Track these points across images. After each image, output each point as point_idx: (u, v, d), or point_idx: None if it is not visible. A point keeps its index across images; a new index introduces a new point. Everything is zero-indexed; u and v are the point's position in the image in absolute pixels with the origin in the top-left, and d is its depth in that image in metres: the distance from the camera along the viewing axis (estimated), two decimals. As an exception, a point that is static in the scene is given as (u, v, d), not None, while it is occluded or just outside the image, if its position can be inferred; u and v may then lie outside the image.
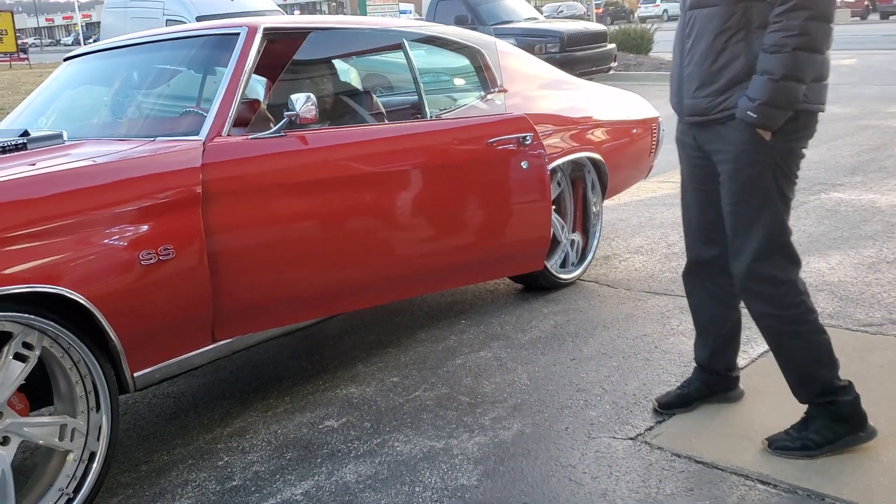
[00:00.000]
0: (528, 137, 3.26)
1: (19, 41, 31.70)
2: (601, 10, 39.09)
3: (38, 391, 2.29)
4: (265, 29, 2.84)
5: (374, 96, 3.33)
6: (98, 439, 2.28)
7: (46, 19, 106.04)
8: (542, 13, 16.64)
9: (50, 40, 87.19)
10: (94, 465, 2.26)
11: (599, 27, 13.13)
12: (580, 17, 23.52)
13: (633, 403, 2.69)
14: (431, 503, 2.21)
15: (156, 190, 2.34)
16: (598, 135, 4.08)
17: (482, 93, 3.64)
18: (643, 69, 14.29)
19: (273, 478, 2.42)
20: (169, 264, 2.33)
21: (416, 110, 3.35)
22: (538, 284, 3.89)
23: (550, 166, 3.68)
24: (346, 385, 3.03)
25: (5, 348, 2.10)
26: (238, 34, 2.80)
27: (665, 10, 45.22)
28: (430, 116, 3.28)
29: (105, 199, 2.24)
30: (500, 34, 12.69)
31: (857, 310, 3.39)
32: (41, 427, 2.19)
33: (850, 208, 5.05)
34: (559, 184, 3.97)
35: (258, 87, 3.77)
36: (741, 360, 2.95)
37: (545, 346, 3.24)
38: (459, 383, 2.95)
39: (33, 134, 2.68)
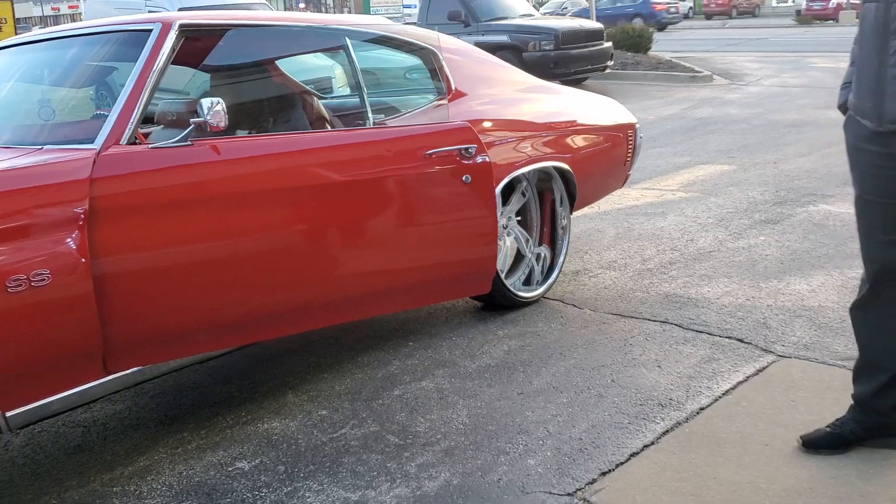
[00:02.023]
0: (471, 149, 2.98)
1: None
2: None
3: None
4: (182, 25, 2.55)
5: (311, 101, 3.05)
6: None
7: (52, 8, 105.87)
8: (538, 10, 16.32)
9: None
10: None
11: (596, 25, 12.81)
12: (583, 16, 23.17)
13: (577, 450, 2.41)
14: (331, 571, 1.95)
15: (29, 206, 2.06)
16: (568, 143, 3.80)
17: (433, 98, 3.36)
18: (641, 68, 13.96)
19: (163, 533, 2.16)
20: (43, 291, 2.05)
21: (357, 117, 3.07)
22: (497, 303, 3.60)
23: (514, 174, 3.41)
24: (270, 418, 2.75)
25: None
26: (150, 31, 2.53)
27: (671, 8, 44.80)
28: (373, 123, 3.00)
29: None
30: (494, 31, 12.39)
31: (836, 340, 3.11)
32: None
33: (839, 222, 4.76)
34: (524, 194, 3.69)
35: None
36: (700, 397, 2.68)
37: (493, 376, 2.96)
38: (392, 420, 2.67)
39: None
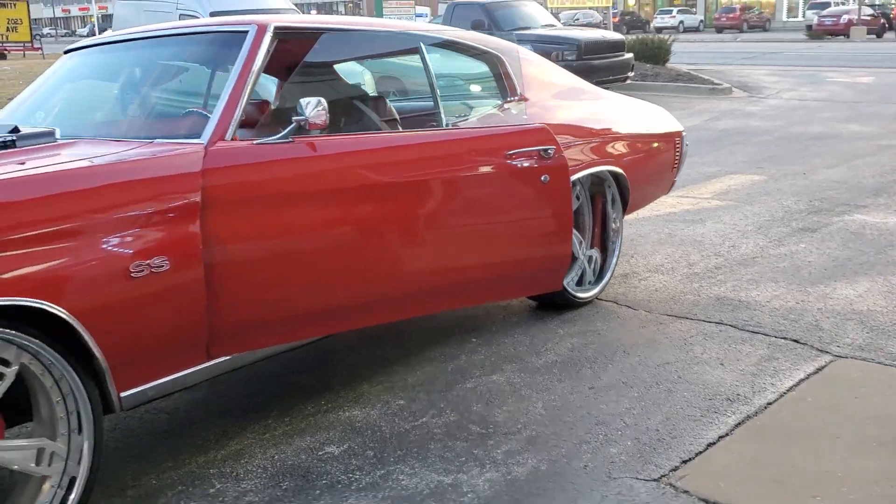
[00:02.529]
0: (549, 150, 3.09)
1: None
2: (618, 19, 38.90)
3: (17, 407, 2.13)
4: (276, 28, 2.67)
5: (388, 102, 3.16)
6: (79, 463, 2.11)
7: (63, 10, 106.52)
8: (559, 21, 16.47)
9: (65, 31, 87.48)
10: (74, 492, 2.09)
11: (618, 36, 12.97)
12: (596, 26, 23.32)
13: (656, 440, 2.51)
14: (437, 547, 2.05)
15: (151, 196, 2.17)
16: (621, 148, 3.91)
17: (501, 101, 3.47)
18: (661, 79, 14.10)
19: (267, 512, 2.25)
20: (162, 277, 2.16)
21: (431, 118, 3.18)
22: (553, 303, 3.70)
23: (575, 177, 3.52)
24: (350, 406, 2.85)
25: (-19, 365, 1.94)
26: (247, 32, 2.64)
27: (681, 22, 45.06)
28: (446, 125, 3.12)
29: (95, 205, 2.08)
30: (517, 41, 12.55)
31: (891, 342, 3.20)
32: (16, 451, 2.02)
33: (876, 232, 4.86)
34: (578, 197, 3.79)
35: (269, 89, 3.61)
36: (766, 393, 2.78)
37: (561, 371, 3.06)
38: (469, 410, 2.78)
39: (24, 130, 2.52)
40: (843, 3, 38.45)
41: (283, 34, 2.71)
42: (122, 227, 2.10)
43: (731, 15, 43.47)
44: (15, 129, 2.52)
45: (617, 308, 3.75)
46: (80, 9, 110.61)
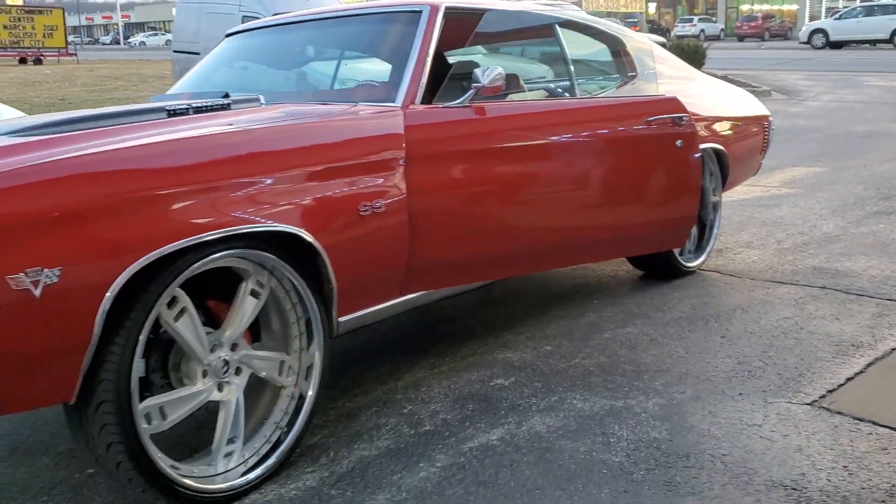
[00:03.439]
0: (683, 117, 3.39)
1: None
2: (638, 28, 39.17)
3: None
4: (446, 7, 2.98)
5: (539, 73, 3.49)
6: (307, 379, 2.41)
7: (86, 18, 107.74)
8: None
9: (89, 39, 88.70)
10: (306, 403, 2.39)
11: (659, 39, 13.22)
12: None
13: (797, 375, 2.79)
14: (629, 452, 2.32)
15: (374, 150, 2.48)
16: (722, 127, 4.19)
17: (624, 78, 3.78)
18: (699, 83, 14.33)
19: (462, 425, 2.54)
20: (380, 218, 2.46)
21: (568, 92, 3.48)
22: (661, 271, 3.99)
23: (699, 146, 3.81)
24: (501, 350, 3.15)
25: (242, 285, 2.24)
26: (421, 11, 2.95)
27: (702, 31, 45.25)
28: (582, 97, 3.43)
29: (334, 155, 2.39)
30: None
31: None
32: (265, 361, 2.33)
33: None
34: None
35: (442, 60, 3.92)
36: (888, 341, 3.04)
37: (689, 325, 3.34)
38: (616, 354, 3.06)
39: (233, 97, 2.84)
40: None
41: (450, 13, 3.02)
42: (353, 173, 2.41)
43: (752, 23, 43.63)
44: (226, 95, 2.84)
45: (721, 277, 4.03)
46: (103, 17, 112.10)
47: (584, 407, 2.62)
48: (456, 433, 2.49)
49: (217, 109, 2.71)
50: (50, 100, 15.35)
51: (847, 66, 20.48)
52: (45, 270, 1.76)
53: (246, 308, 2.24)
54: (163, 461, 2.03)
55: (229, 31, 3.72)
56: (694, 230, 4.21)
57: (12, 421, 2.80)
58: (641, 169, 3.30)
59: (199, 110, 2.68)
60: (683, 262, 4.00)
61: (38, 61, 30.36)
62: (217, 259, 2.11)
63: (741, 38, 42.09)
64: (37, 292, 1.75)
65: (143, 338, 1.95)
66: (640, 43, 3.93)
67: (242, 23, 10.74)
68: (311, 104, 2.80)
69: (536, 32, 3.45)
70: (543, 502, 2.10)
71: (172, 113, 2.63)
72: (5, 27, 31.64)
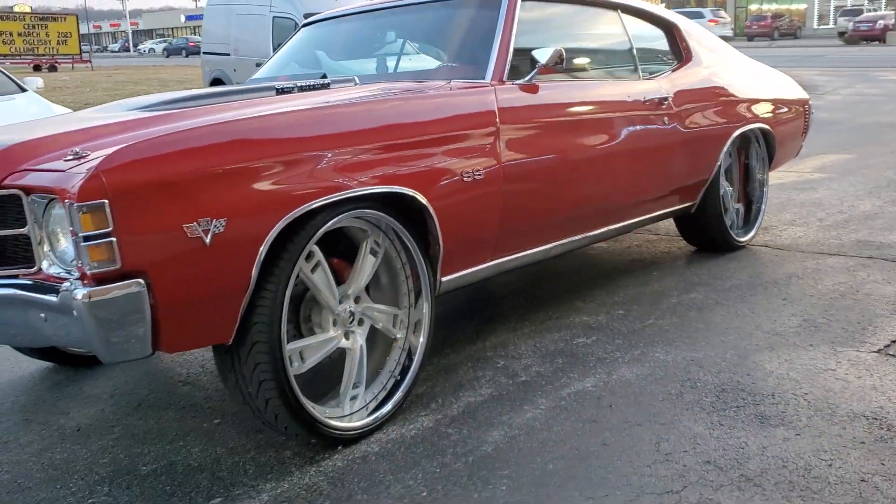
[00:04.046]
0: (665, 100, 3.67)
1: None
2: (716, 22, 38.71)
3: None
4: (522, -7, 3.20)
5: (602, 53, 3.73)
6: (415, 333, 2.62)
7: (94, 26, 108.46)
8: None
9: (97, 46, 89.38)
10: (417, 354, 2.60)
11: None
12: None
13: (860, 329, 2.99)
14: (717, 393, 2.53)
15: (474, 122, 2.70)
16: (769, 108, 4.38)
17: (675, 62, 3.98)
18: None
19: (556, 375, 2.75)
20: (479, 184, 2.67)
21: (631, 74, 3.69)
22: (715, 246, 4.19)
23: (738, 131, 4.03)
24: (576, 315, 3.35)
25: (364, 244, 2.45)
26: (500, -4, 3.17)
27: (710, 30, 45.34)
28: (642, 78, 3.64)
29: (442, 126, 2.61)
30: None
31: None
32: (382, 314, 2.54)
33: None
34: (730, 154, 4.27)
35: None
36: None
37: (749, 290, 3.54)
38: (686, 315, 3.26)
39: (330, 78, 3.06)
40: (874, 10, 38.72)
41: (528, -1, 3.24)
42: (458, 143, 2.62)
43: (762, 23, 43.76)
44: (323, 76, 3.05)
45: (770, 251, 4.23)
46: (111, 24, 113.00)
47: (666, 359, 2.82)
48: (551, 382, 2.70)
49: (318, 88, 2.93)
50: (75, 104, 15.59)
51: (860, 62, 20.65)
52: (214, 221, 1.97)
53: (366, 265, 2.46)
54: (305, 400, 2.25)
55: (305, 22, 3.94)
56: (741, 207, 4.42)
57: (127, 382, 3.02)
58: (689, 138, 3.67)
59: (303, 89, 2.90)
60: (735, 237, 4.20)
61: (52, 68, 30.72)
62: (345, 218, 2.32)
63: (750, 38, 42.22)
64: (207, 240, 1.96)
65: (291, 285, 2.16)
66: (693, 28, 4.14)
67: (273, 24, 11.04)
68: (406, 82, 3.01)
69: (601, 16, 3.66)
70: (646, 435, 2.30)
71: (280, 91, 2.85)
72: (20, 34, 32.02)
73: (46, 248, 2.01)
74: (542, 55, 2.94)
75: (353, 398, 2.44)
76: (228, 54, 11.79)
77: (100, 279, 1.83)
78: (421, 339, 2.61)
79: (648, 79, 3.67)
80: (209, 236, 1.97)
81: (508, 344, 3.07)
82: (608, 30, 3.67)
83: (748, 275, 3.77)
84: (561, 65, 2.96)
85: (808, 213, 5.01)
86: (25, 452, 2.51)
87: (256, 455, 2.37)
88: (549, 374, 2.76)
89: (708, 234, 4.12)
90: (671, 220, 4.18)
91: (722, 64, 4.19)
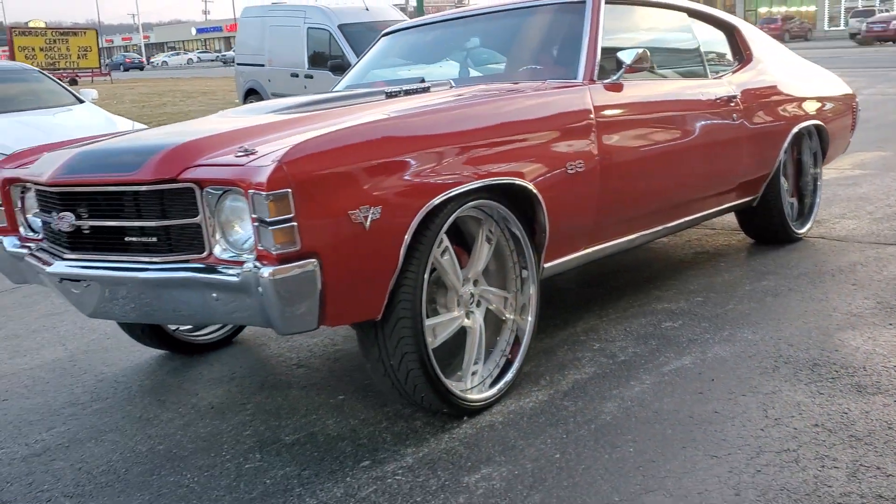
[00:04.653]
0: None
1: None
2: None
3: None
4: (606, -1, 3.42)
5: (675, 55, 3.95)
6: (522, 315, 2.82)
7: (107, 40, 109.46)
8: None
9: (108, 60, 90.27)
10: (526, 334, 2.80)
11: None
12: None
13: (934, 310, 3.18)
14: (811, 367, 2.72)
15: (576, 118, 2.92)
16: (822, 105, 4.58)
17: (737, 62, 4.18)
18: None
19: (653, 355, 2.94)
20: (580, 176, 2.88)
21: (698, 74, 3.90)
22: (775, 238, 4.38)
23: (798, 127, 4.22)
24: (657, 302, 3.54)
25: (481, 231, 2.66)
26: (585, 2, 3.38)
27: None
28: (710, 77, 3.85)
29: (550, 123, 2.84)
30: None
31: None
32: (496, 296, 2.74)
33: None
34: (785, 151, 4.46)
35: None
36: None
37: (817, 277, 3.73)
38: (763, 300, 3.46)
39: (428, 82, 3.28)
40: (886, 10, 38.80)
41: (609, 2, 3.45)
42: (563, 138, 2.84)
43: (773, 25, 43.85)
44: (422, 80, 3.27)
45: (827, 242, 4.41)
46: (123, 38, 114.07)
47: (754, 338, 3.02)
48: (650, 361, 2.89)
49: (420, 92, 3.15)
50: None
51: (878, 62, 20.76)
52: (372, 208, 2.19)
53: (483, 250, 2.66)
54: (440, 373, 2.45)
55: (386, 31, 4.16)
56: (794, 201, 4.61)
57: (243, 367, 3.24)
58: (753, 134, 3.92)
59: (408, 92, 3.12)
60: (796, 229, 4.39)
61: (73, 82, 31.10)
62: (468, 207, 2.53)
63: (762, 41, 42.40)
64: (367, 225, 2.18)
65: (429, 266, 2.37)
66: (751, 30, 4.34)
67: (308, 35, 11.29)
68: (504, 84, 3.22)
69: (672, 18, 3.88)
70: (752, 404, 2.49)
71: (389, 95, 3.07)
72: (41, 49, 32.48)
73: (218, 235, 2.22)
74: (628, 56, 3.15)
75: (474, 373, 2.64)
76: (263, 65, 12.05)
77: (282, 259, 2.05)
78: (529, 319, 2.81)
79: (716, 78, 3.87)
80: (368, 222, 2.18)
81: (599, 329, 3.27)
82: (679, 31, 3.88)
83: (812, 263, 3.96)
84: (644, 65, 3.18)
85: (856, 206, 5.19)
86: (171, 427, 2.73)
87: (389, 426, 2.57)
88: (647, 354, 2.95)
89: (769, 226, 4.31)
90: (724, 217, 4.38)
91: (778, 63, 4.39)
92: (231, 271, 2.14)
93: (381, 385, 2.55)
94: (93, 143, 2.77)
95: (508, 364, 2.75)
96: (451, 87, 3.26)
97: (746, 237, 4.53)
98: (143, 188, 2.26)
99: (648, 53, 3.18)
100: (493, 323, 2.80)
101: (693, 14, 3.97)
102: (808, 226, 4.50)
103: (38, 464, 2.56)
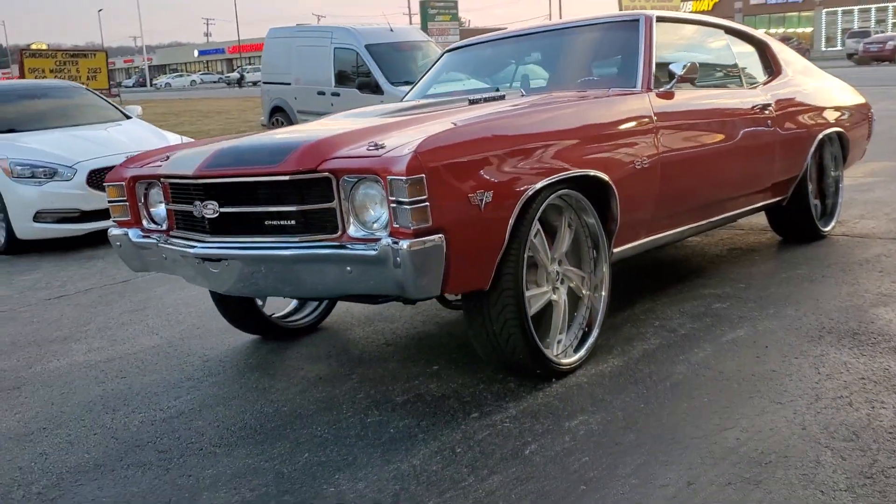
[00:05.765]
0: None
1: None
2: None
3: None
4: (657, 17, 3.83)
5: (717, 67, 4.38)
6: (595, 293, 3.20)
7: (109, 62, 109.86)
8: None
9: (112, 82, 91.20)
10: (600, 309, 3.18)
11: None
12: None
13: (956, 291, 3.56)
14: (855, 335, 3.09)
15: (641, 120, 3.33)
16: (842, 114, 4.99)
17: (767, 76, 4.60)
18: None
19: (709, 329, 3.32)
20: (645, 171, 3.28)
21: (735, 86, 4.32)
22: (802, 235, 4.77)
23: (821, 135, 4.63)
24: (703, 288, 3.93)
25: (564, 218, 3.04)
26: (638, 20, 3.79)
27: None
28: (746, 88, 4.26)
29: (621, 124, 3.25)
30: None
31: None
32: (576, 276, 3.12)
33: None
34: (811, 155, 4.86)
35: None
36: None
37: (847, 267, 4.11)
38: (801, 285, 3.84)
39: (502, 90, 3.69)
40: (881, 31, 39.55)
41: (661, 20, 3.86)
42: (631, 137, 3.24)
43: (771, 46, 44.66)
44: (496, 90, 3.68)
45: (850, 238, 4.80)
46: (125, 61, 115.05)
47: (797, 314, 3.40)
48: (708, 333, 3.27)
49: (496, 100, 3.55)
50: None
51: (877, 80, 21.28)
52: (485, 192, 2.58)
53: (566, 234, 3.05)
54: (536, 338, 2.83)
55: (449, 48, 4.58)
56: (818, 203, 5.01)
57: (335, 346, 3.61)
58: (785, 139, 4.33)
59: (487, 100, 3.52)
60: (822, 227, 4.78)
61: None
62: (555, 196, 2.92)
63: (760, 60, 43.08)
64: (482, 207, 2.56)
65: (528, 245, 2.76)
66: (779, 46, 4.77)
67: (334, 54, 11.72)
68: (571, 91, 3.63)
69: (712, 34, 4.30)
70: (805, 364, 2.87)
71: (472, 101, 3.48)
72: (52, 70, 32.95)
73: (351, 217, 2.61)
74: (679, 67, 3.56)
75: (559, 342, 3.02)
76: (289, 83, 12.49)
77: (417, 234, 2.43)
78: (603, 294, 3.19)
79: (751, 88, 4.29)
80: (483, 204, 2.57)
81: (656, 310, 3.65)
82: (718, 46, 4.30)
83: (840, 255, 4.35)
84: (693, 75, 3.59)
85: (874, 208, 5.59)
86: (288, 394, 3.09)
87: (486, 388, 2.94)
88: (704, 329, 3.33)
89: (797, 223, 4.71)
90: (751, 218, 4.77)
91: (804, 76, 4.81)
92: (366, 247, 2.53)
93: (481, 349, 2.93)
94: (229, 142, 3.16)
95: (585, 335, 3.13)
96: (522, 95, 3.67)
97: (775, 235, 4.92)
98: (286, 178, 2.65)
99: (697, 65, 3.59)
100: (572, 300, 3.18)
101: (729, 31, 4.40)
102: (832, 224, 4.90)
103: (178, 423, 2.92)
